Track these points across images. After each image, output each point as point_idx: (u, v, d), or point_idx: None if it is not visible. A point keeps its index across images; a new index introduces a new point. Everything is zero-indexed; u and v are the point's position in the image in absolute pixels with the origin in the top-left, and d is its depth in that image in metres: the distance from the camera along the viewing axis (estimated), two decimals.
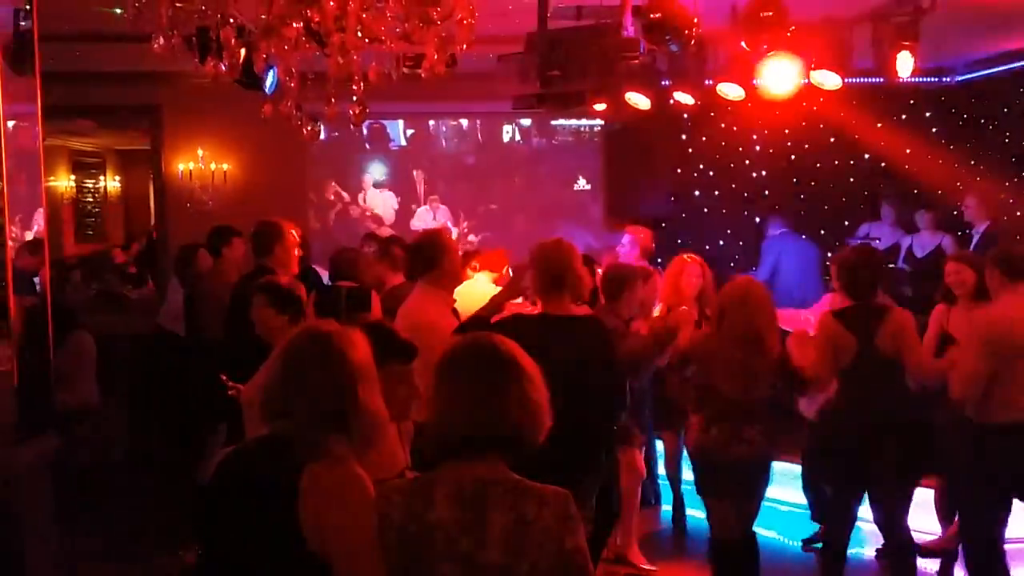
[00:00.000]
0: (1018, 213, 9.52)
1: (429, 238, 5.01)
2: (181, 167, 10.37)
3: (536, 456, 2.33)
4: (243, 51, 3.59)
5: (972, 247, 8.38)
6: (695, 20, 5.29)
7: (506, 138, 11.20)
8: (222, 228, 7.04)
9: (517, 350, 2.38)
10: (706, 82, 6.87)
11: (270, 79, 5.20)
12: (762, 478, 4.83)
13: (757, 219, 10.14)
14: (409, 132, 11.14)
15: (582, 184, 11.14)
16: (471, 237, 10.94)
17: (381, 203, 11.09)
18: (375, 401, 2.42)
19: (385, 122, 11.00)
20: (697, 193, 10.62)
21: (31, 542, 4.69)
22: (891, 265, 8.79)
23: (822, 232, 10.18)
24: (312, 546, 2.26)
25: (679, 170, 10.63)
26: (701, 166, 10.79)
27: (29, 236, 7.30)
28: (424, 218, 10.94)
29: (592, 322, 4.45)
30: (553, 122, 10.99)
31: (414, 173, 11.09)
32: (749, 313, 4.69)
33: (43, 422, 5.07)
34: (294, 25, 2.77)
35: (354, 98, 3.33)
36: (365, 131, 10.98)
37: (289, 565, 2.29)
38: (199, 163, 10.33)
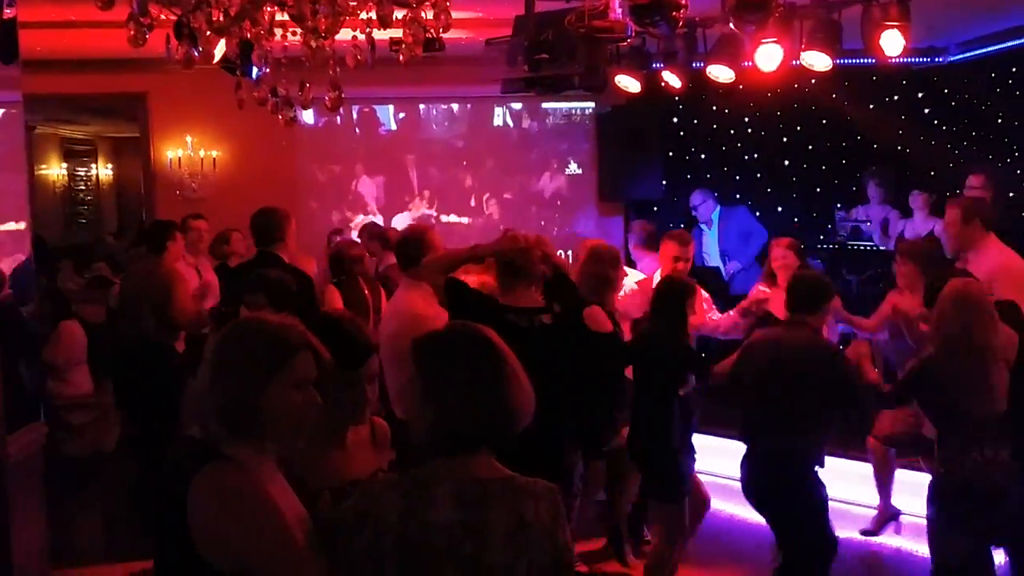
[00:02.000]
0: (1011, 194, 9.48)
1: (414, 233, 5.01)
2: (170, 155, 10.31)
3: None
4: (224, 38, 3.55)
5: None
6: (684, 2, 5.26)
7: (497, 122, 11.15)
8: (163, 223, 6.99)
9: (497, 338, 2.32)
10: (696, 65, 6.82)
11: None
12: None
13: (749, 203, 10.10)
14: (400, 116, 11.08)
15: (574, 168, 11.10)
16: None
17: (373, 189, 11.04)
18: (288, 397, 2.24)
19: (375, 107, 10.94)
20: (689, 176, 10.57)
21: (19, 533, 4.67)
22: (878, 247, 8.74)
23: (814, 215, 10.16)
24: (209, 559, 2.11)
25: (671, 153, 10.60)
26: (693, 149, 10.76)
27: (20, 225, 7.28)
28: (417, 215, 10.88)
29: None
30: (544, 105, 10.94)
31: (407, 160, 11.03)
32: (968, 317, 4.27)
33: (31, 412, 5.05)
34: (267, 9, 2.73)
35: (330, 83, 3.30)
36: (355, 116, 10.93)
37: None
38: (188, 151, 10.28)
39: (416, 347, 2.32)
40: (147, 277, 6.63)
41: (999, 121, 9.78)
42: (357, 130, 11.02)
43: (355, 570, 2.21)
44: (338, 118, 10.81)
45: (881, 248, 8.83)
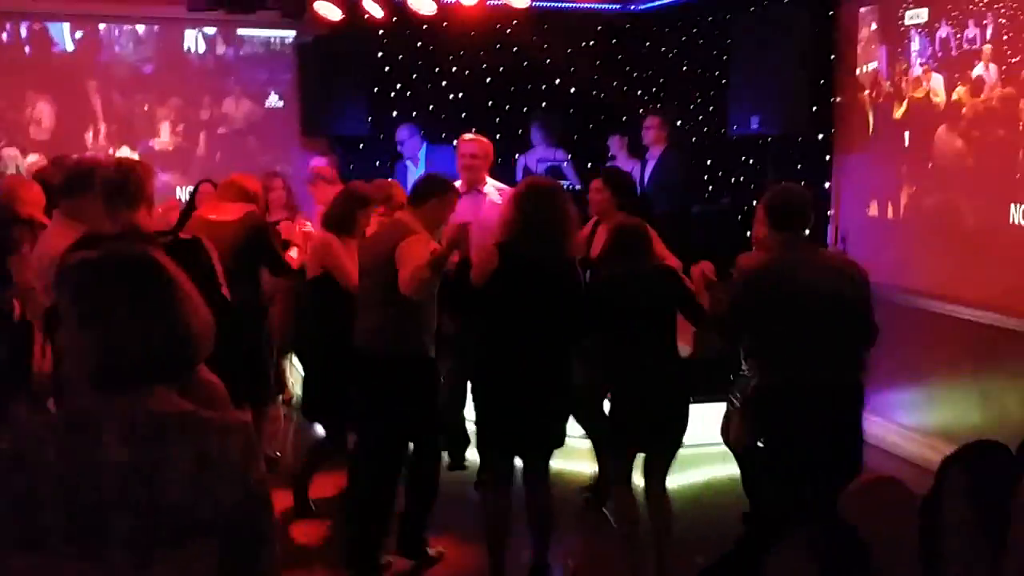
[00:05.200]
0: (693, 139, 10.11)
1: (80, 166, 4.52)
2: None
3: None
4: None
5: (648, 171, 8.81)
6: None
7: (188, 47, 10.40)
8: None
9: (166, 259, 2.06)
10: None
11: None
12: None
13: (455, 143, 10.10)
14: (77, 36, 10.06)
15: (274, 100, 10.61)
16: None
17: (48, 115, 10.01)
18: None
19: (47, 24, 9.87)
20: (395, 114, 10.41)
21: None
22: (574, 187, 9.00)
23: (516, 156, 10.33)
24: None
25: (376, 88, 10.38)
26: (399, 85, 10.58)
27: None
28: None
29: None
30: (240, 32, 10.33)
31: (86, 85, 10.06)
32: None
33: None
34: None
35: None
36: (24, 33, 9.83)
37: None
38: None
39: (69, 271, 2.03)
40: None
41: (683, 69, 10.34)
42: (27, 49, 9.91)
43: (7, 521, 1.92)
44: (4, 35, 9.72)
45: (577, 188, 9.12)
